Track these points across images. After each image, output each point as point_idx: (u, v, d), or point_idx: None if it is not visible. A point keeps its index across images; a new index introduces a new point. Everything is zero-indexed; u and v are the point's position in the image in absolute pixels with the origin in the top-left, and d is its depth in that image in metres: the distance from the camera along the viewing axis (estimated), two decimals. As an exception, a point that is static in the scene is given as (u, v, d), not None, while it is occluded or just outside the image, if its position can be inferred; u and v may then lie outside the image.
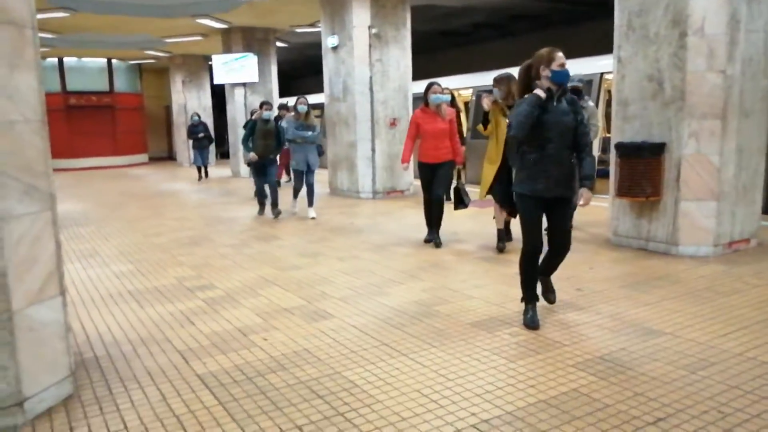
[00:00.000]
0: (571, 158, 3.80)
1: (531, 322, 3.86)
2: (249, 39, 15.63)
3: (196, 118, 16.21)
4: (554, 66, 3.67)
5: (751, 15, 5.53)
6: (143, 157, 23.86)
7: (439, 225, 6.50)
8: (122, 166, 21.89)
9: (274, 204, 8.77)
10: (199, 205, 10.95)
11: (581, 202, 3.81)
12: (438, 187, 6.37)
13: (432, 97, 6.19)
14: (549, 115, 3.70)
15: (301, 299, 4.70)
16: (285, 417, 2.81)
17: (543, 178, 3.74)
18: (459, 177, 6.82)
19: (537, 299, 3.99)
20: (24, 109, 2.79)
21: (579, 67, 10.17)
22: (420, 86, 13.31)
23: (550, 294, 4.14)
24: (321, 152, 9.03)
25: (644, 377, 3.11)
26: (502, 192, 5.75)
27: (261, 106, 9.01)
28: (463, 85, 13.87)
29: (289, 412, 2.85)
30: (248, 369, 3.38)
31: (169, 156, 25.84)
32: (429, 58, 17.99)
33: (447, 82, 14.49)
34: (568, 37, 15.11)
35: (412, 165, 7.19)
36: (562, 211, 3.91)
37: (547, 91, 3.70)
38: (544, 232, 3.94)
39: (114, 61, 22.12)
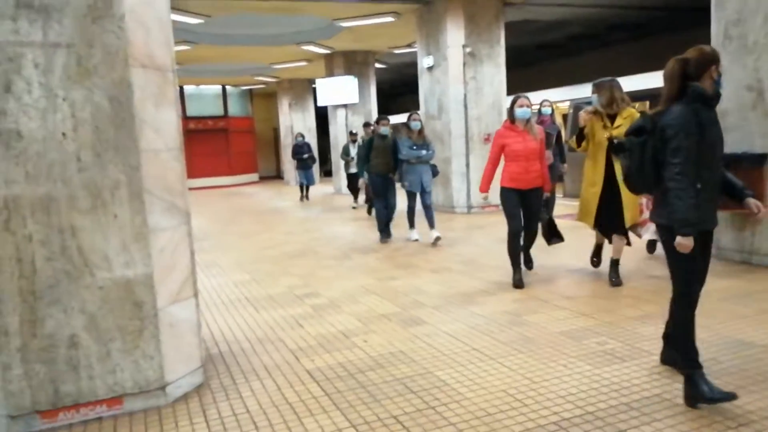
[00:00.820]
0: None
1: None
2: (350, 62, 16.44)
3: (301, 138, 16.30)
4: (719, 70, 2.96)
5: None
6: (254, 177, 25.46)
7: (529, 263, 5.95)
8: (235, 185, 23.49)
9: (384, 225, 8.20)
10: (305, 220, 11.66)
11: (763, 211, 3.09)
12: (532, 219, 5.61)
13: (518, 111, 5.40)
14: (714, 129, 2.98)
15: (396, 307, 5.04)
16: (382, 408, 3.14)
17: (709, 208, 3.01)
18: (548, 206, 6.04)
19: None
20: (167, 140, 3.35)
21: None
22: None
23: None
24: (436, 172, 8.11)
25: (730, 386, 3.16)
26: (608, 218, 5.16)
27: (377, 121, 8.42)
28: (559, 97, 13.81)
29: (386, 404, 3.18)
30: (350, 366, 3.76)
31: (277, 175, 27.37)
32: (525, 72, 17.96)
33: (543, 95, 14.50)
34: (666, 46, 14.64)
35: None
36: (708, 251, 3.20)
37: (712, 99, 2.95)
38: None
39: (228, 87, 23.87)
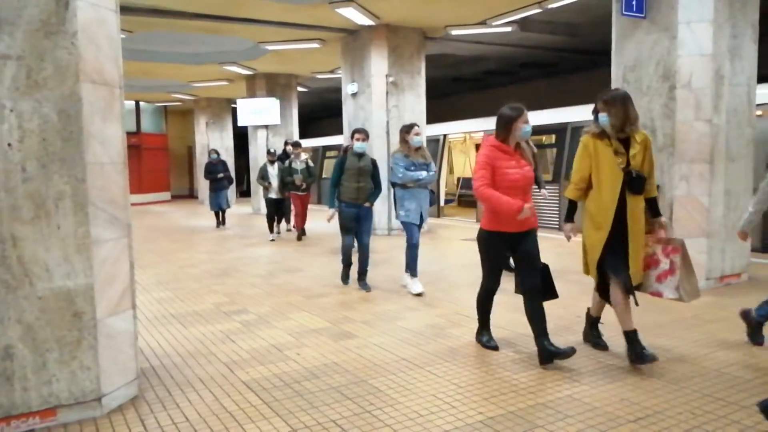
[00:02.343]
0: None
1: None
2: (272, 84, 16.58)
3: (215, 156, 14.29)
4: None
5: (734, 71, 6.15)
6: (166, 195, 24.77)
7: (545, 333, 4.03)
8: (146, 203, 22.74)
9: (363, 272, 6.53)
10: (224, 239, 11.57)
11: None
12: (535, 267, 4.06)
13: (524, 128, 4.02)
14: None
15: (327, 322, 5.22)
16: (321, 413, 3.32)
17: None
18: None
19: None
20: (112, 153, 3.41)
21: (587, 114, 10.87)
22: (434, 129, 14.19)
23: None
24: (433, 200, 6.60)
25: (630, 386, 3.58)
26: (612, 267, 3.95)
27: (352, 135, 6.49)
28: (474, 128, 14.59)
29: (324, 410, 3.36)
30: (285, 377, 3.90)
31: (190, 194, 26.74)
32: (442, 103, 18.80)
33: (460, 126, 15.24)
34: (575, 85, 15.91)
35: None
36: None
37: None
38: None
39: (141, 103, 23.23)
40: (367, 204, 6.50)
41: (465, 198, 17.09)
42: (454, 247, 9.85)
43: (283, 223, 12.25)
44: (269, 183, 11.30)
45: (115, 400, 3.45)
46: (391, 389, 3.64)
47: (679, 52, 6.00)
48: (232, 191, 18.42)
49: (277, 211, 11.49)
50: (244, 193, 22.34)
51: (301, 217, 11.23)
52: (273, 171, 11.31)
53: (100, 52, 3.29)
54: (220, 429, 3.16)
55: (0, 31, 2.92)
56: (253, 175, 16.84)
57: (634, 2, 6.14)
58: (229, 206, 14.26)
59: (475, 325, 4.54)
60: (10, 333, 3.07)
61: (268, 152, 11.76)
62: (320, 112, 26.02)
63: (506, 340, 4.56)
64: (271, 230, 11.36)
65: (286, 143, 13.08)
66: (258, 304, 5.99)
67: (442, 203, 14.77)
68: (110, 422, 3.26)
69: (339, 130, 12.56)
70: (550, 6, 9.76)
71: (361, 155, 6.49)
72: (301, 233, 11.25)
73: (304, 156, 11.11)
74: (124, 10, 3.62)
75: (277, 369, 4.06)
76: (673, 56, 6.04)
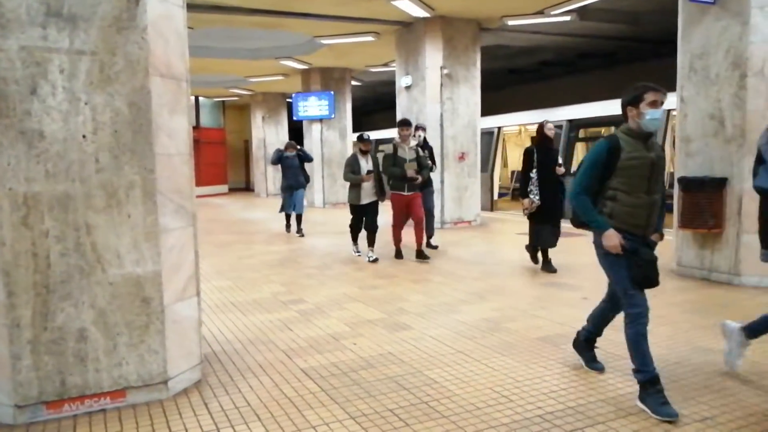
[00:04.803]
0: None
1: None
2: (327, 78, 16.73)
3: (292, 149, 10.88)
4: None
5: (811, 57, 5.81)
6: (223, 188, 25.39)
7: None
8: (205, 195, 23.38)
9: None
10: (280, 230, 11.78)
11: None
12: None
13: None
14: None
15: (382, 313, 5.26)
16: (378, 402, 3.35)
17: None
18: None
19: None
20: (179, 145, 3.53)
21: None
22: (487, 122, 14.01)
23: None
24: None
25: (695, 385, 3.46)
26: None
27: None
28: (529, 120, 14.34)
29: (381, 399, 3.39)
30: (342, 366, 3.95)
31: (246, 187, 27.36)
32: (497, 95, 18.54)
33: (514, 118, 14.99)
34: (636, 75, 15.38)
35: None
36: None
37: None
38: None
39: (201, 98, 23.87)
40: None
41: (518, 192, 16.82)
42: (509, 240, 9.72)
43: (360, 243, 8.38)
44: (371, 174, 7.75)
45: (180, 383, 3.58)
46: (448, 381, 3.64)
47: (752, 38, 5.72)
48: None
49: (361, 220, 8.03)
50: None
51: (419, 227, 7.80)
52: (367, 164, 7.89)
53: (168, 47, 3.40)
54: (280, 414, 3.23)
55: (76, 28, 3.05)
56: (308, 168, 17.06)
57: (702, -13, 5.89)
58: (303, 210, 11.00)
59: (531, 318, 4.47)
60: (84, 316, 3.22)
61: (361, 138, 8.07)
62: (373, 105, 26.10)
63: (566, 336, 4.47)
64: (355, 240, 8.38)
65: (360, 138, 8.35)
66: (314, 294, 6.08)
67: (495, 197, 14.60)
68: (176, 404, 3.39)
69: (392, 124, 12.55)
70: (611, -7, 9.47)
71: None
72: (421, 251, 7.82)
73: (415, 139, 8.17)
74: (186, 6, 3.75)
75: (334, 358, 4.11)
76: (745, 42, 5.76)
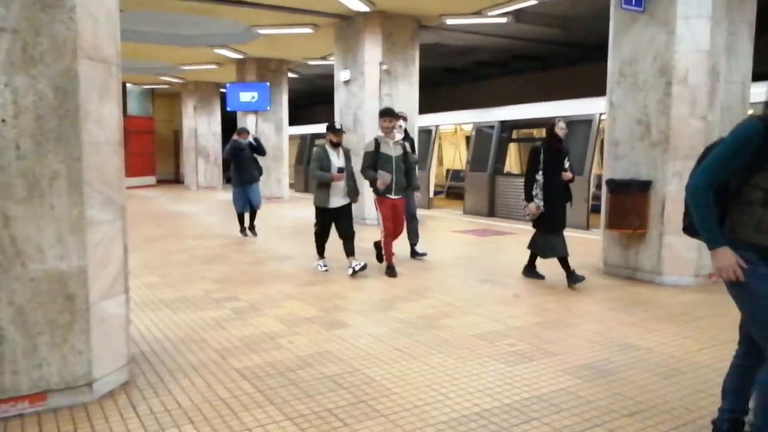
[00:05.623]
0: None
1: None
2: (262, 69, 16.40)
3: (245, 137, 9.81)
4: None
5: (729, 68, 6.16)
6: (151, 179, 24.45)
7: None
8: (131, 187, 22.42)
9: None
10: (212, 225, 11.46)
11: None
12: None
13: None
14: None
15: (319, 311, 5.19)
16: (316, 402, 3.29)
17: None
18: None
19: None
20: (108, 133, 3.33)
21: (579, 108, 10.90)
22: (425, 120, 14.12)
23: None
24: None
25: (623, 381, 3.60)
26: None
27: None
28: (465, 120, 14.57)
29: (318, 399, 3.33)
30: (279, 365, 3.86)
31: (176, 179, 26.45)
32: (433, 93, 18.74)
33: (451, 117, 15.20)
34: (567, 78, 15.93)
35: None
36: None
37: None
38: None
39: (129, 85, 22.87)
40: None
41: (454, 190, 17.07)
42: (445, 238, 9.84)
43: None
44: (343, 172, 6.55)
45: (107, 385, 3.40)
46: (386, 379, 3.62)
47: (677, 47, 6.01)
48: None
49: (329, 226, 6.87)
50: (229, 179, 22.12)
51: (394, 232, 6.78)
52: (338, 160, 6.61)
53: (98, 28, 3.20)
54: (214, 417, 3.12)
55: (-5, 4, 2.82)
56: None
57: (633, -4, 6.13)
58: (259, 204, 10.01)
59: (467, 315, 4.52)
60: (1, 315, 3.00)
61: (332, 129, 6.67)
62: (310, 98, 25.81)
63: (500, 333, 4.56)
64: (321, 253, 6.99)
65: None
66: (248, 291, 5.94)
67: (431, 195, 14.75)
68: (101, 408, 3.21)
69: (329, 118, 12.43)
70: (546, -2, 9.74)
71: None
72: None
73: (400, 133, 6.88)
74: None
75: (270, 357, 4.02)
76: (671, 52, 6.04)
